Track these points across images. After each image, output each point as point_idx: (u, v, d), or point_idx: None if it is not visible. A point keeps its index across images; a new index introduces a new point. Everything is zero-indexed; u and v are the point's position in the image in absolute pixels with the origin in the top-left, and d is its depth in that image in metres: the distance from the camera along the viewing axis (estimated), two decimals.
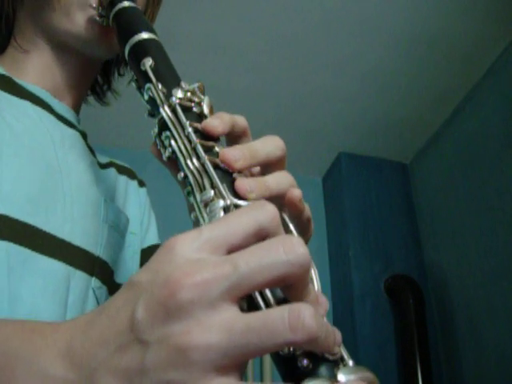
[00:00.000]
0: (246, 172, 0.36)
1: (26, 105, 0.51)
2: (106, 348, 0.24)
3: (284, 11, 1.75)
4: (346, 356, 0.27)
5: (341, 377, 0.25)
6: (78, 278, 0.45)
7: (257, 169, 0.37)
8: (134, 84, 0.45)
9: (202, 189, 0.32)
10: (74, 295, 0.44)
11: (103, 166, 0.60)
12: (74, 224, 0.46)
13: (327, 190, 2.52)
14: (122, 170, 0.64)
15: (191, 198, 0.34)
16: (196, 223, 0.33)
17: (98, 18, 0.51)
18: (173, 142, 0.36)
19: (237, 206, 0.30)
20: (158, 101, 0.39)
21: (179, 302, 0.22)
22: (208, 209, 0.31)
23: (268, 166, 0.36)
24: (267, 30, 1.82)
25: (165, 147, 0.38)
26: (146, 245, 0.62)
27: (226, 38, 1.85)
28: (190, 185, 0.34)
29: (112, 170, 0.62)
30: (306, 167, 2.42)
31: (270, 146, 0.35)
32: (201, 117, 0.38)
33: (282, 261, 0.23)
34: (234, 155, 0.33)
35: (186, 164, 0.34)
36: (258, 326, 0.22)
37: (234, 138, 0.39)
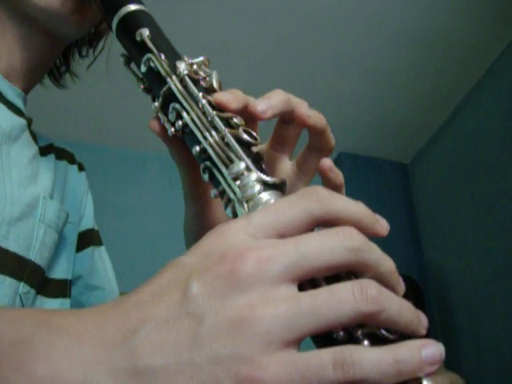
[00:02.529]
0: (264, 153, 0.35)
1: None
2: (148, 323, 0.22)
3: (284, 11, 1.75)
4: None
5: None
6: (8, 284, 0.43)
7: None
8: (121, 59, 0.41)
9: (228, 162, 0.30)
10: (2, 303, 0.41)
11: (44, 152, 0.56)
12: (11, 226, 0.44)
13: None
14: (61, 155, 0.60)
15: (207, 175, 0.32)
16: (219, 199, 0.31)
17: None
18: (185, 115, 0.34)
19: (264, 182, 0.29)
20: (163, 71, 0.35)
21: (242, 276, 0.22)
22: (239, 182, 0.29)
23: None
24: (267, 30, 1.82)
25: (170, 122, 0.35)
26: (82, 229, 0.59)
27: (226, 37, 1.85)
28: (210, 159, 0.31)
29: (51, 157, 0.58)
30: None
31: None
32: (209, 91, 0.35)
33: (341, 246, 0.23)
34: (262, 105, 0.33)
35: (205, 137, 0.32)
36: (326, 296, 0.22)
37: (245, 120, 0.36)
